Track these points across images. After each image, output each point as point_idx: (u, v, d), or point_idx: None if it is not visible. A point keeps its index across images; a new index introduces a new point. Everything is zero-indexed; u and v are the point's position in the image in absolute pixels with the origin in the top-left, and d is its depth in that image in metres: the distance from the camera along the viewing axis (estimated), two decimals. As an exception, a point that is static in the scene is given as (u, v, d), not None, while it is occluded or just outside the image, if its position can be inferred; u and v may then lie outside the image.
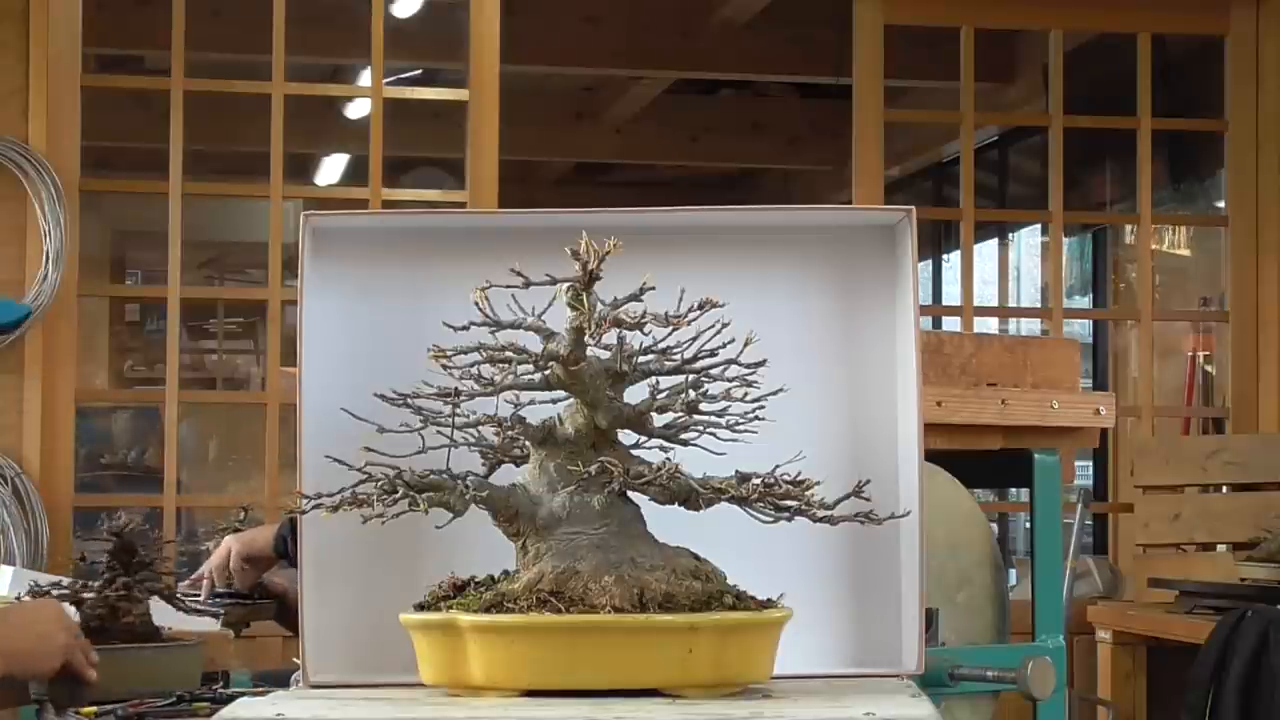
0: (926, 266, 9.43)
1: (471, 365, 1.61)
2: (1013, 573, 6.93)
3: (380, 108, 5.04)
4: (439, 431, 1.62)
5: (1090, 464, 7.26)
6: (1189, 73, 6.28)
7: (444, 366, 1.61)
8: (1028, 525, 3.83)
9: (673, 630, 1.53)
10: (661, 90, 8.38)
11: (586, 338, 1.57)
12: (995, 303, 7.53)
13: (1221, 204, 6.14)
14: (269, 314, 4.98)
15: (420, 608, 1.61)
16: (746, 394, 1.60)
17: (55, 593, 2.71)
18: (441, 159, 8.33)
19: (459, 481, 1.60)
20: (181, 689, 2.54)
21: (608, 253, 1.55)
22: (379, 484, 1.59)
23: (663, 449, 1.62)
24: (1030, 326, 7.91)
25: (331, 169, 9.60)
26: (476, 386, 1.61)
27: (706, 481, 1.60)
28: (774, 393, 1.61)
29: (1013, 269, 8.80)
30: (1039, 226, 8.17)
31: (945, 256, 9.36)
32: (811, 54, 7.34)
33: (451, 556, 1.68)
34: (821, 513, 1.60)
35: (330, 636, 1.76)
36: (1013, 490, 6.01)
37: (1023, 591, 3.44)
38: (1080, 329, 8.03)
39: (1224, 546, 5.17)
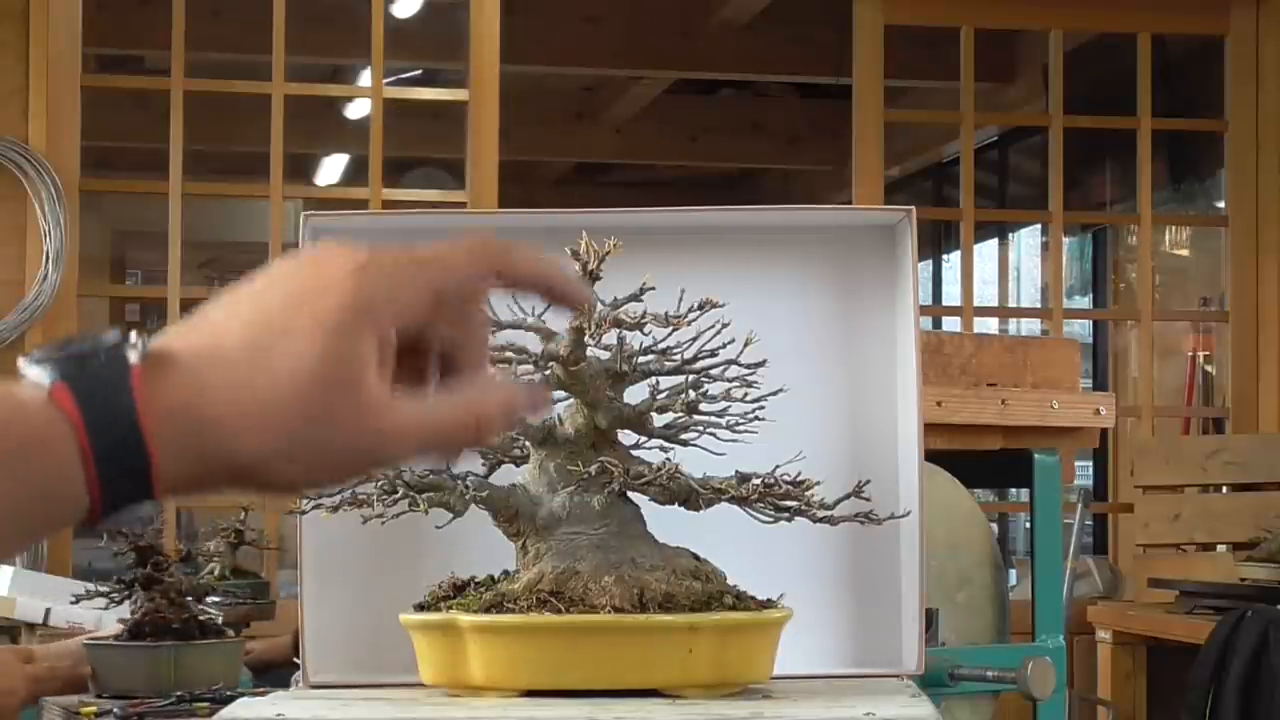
0: (926, 266, 9.43)
1: (471, 365, 1.61)
2: (1013, 573, 6.93)
3: (380, 108, 5.04)
4: (439, 431, 1.62)
5: (1090, 464, 7.26)
6: (1189, 73, 6.28)
7: (444, 366, 1.61)
8: (1028, 525, 3.83)
9: (673, 630, 1.53)
10: (661, 90, 8.39)
11: (586, 338, 1.57)
12: (995, 303, 7.53)
13: (1221, 204, 6.15)
14: (269, 314, 4.98)
15: (420, 608, 1.61)
16: (746, 394, 1.60)
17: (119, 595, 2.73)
18: (441, 159, 8.33)
19: (459, 481, 1.60)
20: (230, 683, 2.57)
21: (608, 253, 1.55)
22: (379, 484, 1.59)
23: (663, 449, 1.61)
24: (1030, 326, 7.92)
25: (331, 169, 9.60)
26: (476, 386, 1.61)
27: (706, 481, 1.60)
28: (774, 393, 1.61)
29: (1013, 269, 8.80)
30: (1039, 226, 8.17)
31: (945, 256, 9.36)
32: (811, 54, 7.34)
33: (451, 556, 1.68)
34: (821, 513, 1.60)
35: (330, 636, 1.76)
36: (1013, 490, 6.02)
37: (1023, 591, 3.44)
38: (1080, 329, 8.03)
39: (1224, 546, 5.17)
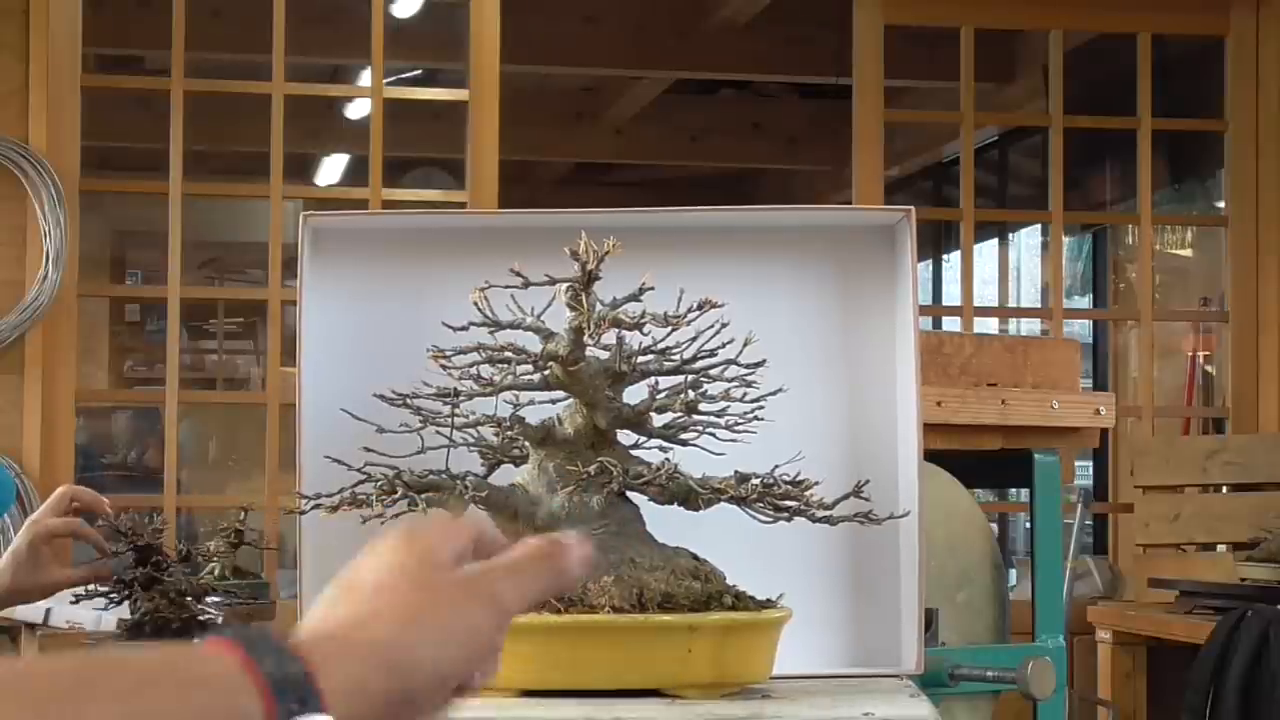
0: (926, 266, 9.43)
1: (471, 365, 1.61)
2: (1013, 573, 6.93)
3: (380, 108, 5.04)
4: (438, 432, 1.62)
5: (1090, 464, 7.26)
6: (1189, 73, 6.28)
7: (443, 367, 1.61)
8: (1028, 525, 3.83)
9: (672, 630, 1.53)
10: (661, 90, 8.39)
11: (585, 338, 1.57)
12: (995, 303, 7.52)
13: (1221, 204, 6.15)
14: (269, 314, 4.98)
15: (420, 608, 1.61)
16: (746, 394, 1.60)
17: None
18: (441, 159, 8.33)
19: (458, 481, 1.60)
20: None
21: (607, 253, 1.55)
22: (378, 484, 1.59)
23: (662, 449, 1.61)
24: (1030, 326, 7.92)
25: (331, 169, 9.60)
26: (476, 387, 1.61)
27: (706, 481, 1.60)
28: (773, 393, 1.61)
29: (1013, 269, 8.80)
30: (1039, 226, 8.17)
31: (945, 256, 9.36)
32: (811, 54, 7.34)
33: (451, 556, 1.67)
34: (821, 513, 1.60)
35: (330, 636, 1.76)
36: (1013, 490, 6.01)
37: (1023, 591, 3.44)
38: (1080, 329, 8.03)
39: (1224, 546, 5.17)
